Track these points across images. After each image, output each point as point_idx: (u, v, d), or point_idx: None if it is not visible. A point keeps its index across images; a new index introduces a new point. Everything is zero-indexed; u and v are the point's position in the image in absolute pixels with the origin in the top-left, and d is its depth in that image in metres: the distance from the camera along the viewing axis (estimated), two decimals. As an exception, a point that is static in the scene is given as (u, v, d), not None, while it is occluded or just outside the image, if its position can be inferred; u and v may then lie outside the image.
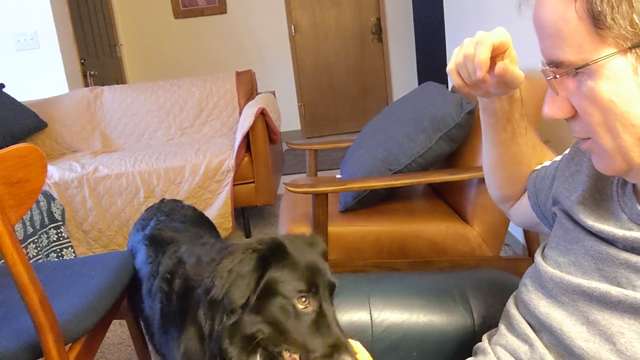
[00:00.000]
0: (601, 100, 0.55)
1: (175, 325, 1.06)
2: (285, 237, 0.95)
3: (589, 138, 0.60)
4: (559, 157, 0.86)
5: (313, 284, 0.87)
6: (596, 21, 0.53)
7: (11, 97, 3.27)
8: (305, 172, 2.76)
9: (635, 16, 0.51)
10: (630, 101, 0.54)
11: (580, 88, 0.57)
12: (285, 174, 4.02)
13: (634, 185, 0.66)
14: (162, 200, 1.70)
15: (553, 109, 0.61)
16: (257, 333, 0.87)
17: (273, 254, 0.89)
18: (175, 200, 1.72)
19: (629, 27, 0.52)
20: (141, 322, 1.54)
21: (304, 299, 0.86)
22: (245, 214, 3.02)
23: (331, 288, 0.90)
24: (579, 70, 0.56)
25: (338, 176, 2.24)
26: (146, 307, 1.24)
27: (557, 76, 0.59)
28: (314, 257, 0.92)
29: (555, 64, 0.58)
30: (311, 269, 0.88)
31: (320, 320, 0.85)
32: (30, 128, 3.26)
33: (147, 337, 1.51)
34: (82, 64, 4.13)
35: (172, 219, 1.50)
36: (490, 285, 1.04)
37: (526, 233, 1.81)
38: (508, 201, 0.98)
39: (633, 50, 0.52)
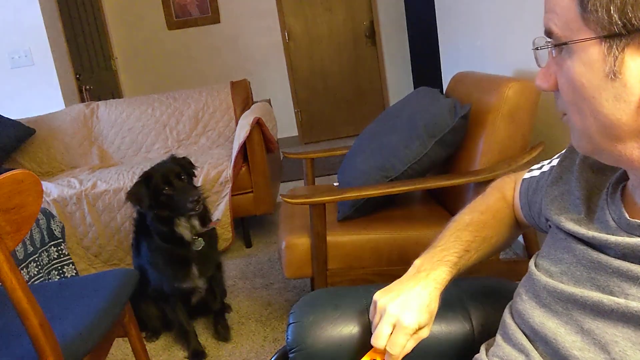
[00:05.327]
0: (574, 81, 0.58)
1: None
2: (154, 166, 1.95)
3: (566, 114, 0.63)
4: (546, 166, 0.86)
5: (165, 180, 1.87)
6: (582, 3, 0.55)
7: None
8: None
9: (612, 7, 0.52)
10: (597, 89, 0.56)
11: (563, 66, 0.60)
12: (284, 181, 4.02)
13: (622, 193, 0.67)
14: None
15: (540, 79, 0.65)
16: (166, 214, 1.89)
17: (150, 177, 1.88)
18: None
19: (605, 17, 0.53)
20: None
21: (166, 188, 1.86)
22: (245, 224, 3.02)
23: (177, 175, 1.90)
24: (562, 46, 0.58)
25: (335, 184, 2.24)
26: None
27: (539, 48, 0.63)
28: (167, 166, 1.92)
29: (548, 34, 0.61)
30: (163, 174, 1.88)
31: (179, 192, 1.86)
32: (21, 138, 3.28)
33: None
34: (77, 79, 4.13)
35: None
36: (489, 292, 1.04)
37: (525, 235, 1.81)
38: None
39: (606, 40, 0.54)
